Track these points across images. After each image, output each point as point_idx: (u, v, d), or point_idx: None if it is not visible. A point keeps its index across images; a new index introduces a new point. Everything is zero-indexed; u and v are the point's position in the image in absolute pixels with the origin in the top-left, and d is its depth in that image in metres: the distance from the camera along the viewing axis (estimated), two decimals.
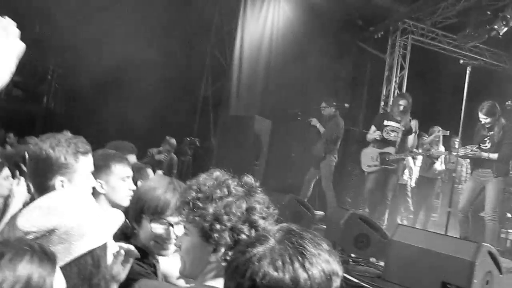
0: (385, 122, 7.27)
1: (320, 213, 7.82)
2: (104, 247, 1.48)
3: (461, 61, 6.10)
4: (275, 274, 1.19)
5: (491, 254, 3.92)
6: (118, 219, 1.58)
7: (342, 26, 10.39)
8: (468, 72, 5.82)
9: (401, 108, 7.12)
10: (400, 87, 10.70)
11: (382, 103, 10.98)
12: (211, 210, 1.64)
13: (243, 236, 1.61)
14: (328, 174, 7.68)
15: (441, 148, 8.22)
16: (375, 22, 10.95)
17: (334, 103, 7.83)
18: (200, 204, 1.65)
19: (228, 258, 1.59)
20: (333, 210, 6.35)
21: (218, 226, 1.62)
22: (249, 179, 1.73)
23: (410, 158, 8.24)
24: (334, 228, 5.26)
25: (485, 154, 5.99)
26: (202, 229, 1.65)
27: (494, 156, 5.95)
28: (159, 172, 5.54)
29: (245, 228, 1.62)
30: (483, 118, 6.01)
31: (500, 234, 6.24)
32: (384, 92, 10.76)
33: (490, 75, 10.70)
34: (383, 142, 7.21)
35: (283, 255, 1.22)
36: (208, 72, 10.59)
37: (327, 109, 7.85)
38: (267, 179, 7.99)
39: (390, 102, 9.97)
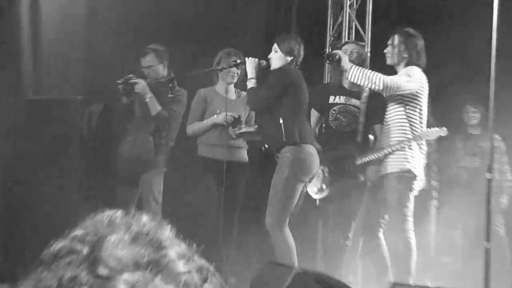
0: (331, 99, 4.36)
1: None
2: None
3: None
4: None
5: None
6: None
7: None
8: None
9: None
10: (362, 19, 5.55)
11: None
12: None
13: None
14: None
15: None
16: None
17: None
18: None
19: None
20: (263, 270, 3.45)
21: None
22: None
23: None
24: None
25: None
26: None
27: None
28: None
29: None
30: None
31: None
32: (329, 32, 5.69)
33: None
34: (332, 136, 4.36)
35: None
36: None
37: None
38: None
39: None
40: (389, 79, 3.92)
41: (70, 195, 4.48)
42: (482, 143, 5.03)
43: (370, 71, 4.03)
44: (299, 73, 4.12)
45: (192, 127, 4.62)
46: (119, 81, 4.49)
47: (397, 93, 3.99)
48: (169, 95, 4.42)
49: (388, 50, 4.15)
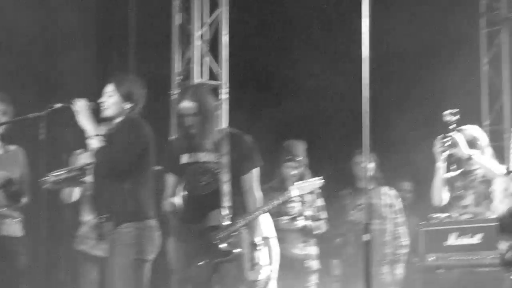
0: (184, 159, 3.22)
1: None
2: None
3: None
4: None
5: None
6: None
7: None
8: None
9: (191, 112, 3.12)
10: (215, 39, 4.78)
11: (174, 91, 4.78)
12: None
13: None
14: None
15: None
16: None
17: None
18: None
19: None
20: None
21: None
22: None
23: None
24: None
25: None
26: None
27: None
28: None
29: None
30: None
31: None
32: (173, 69, 4.86)
33: None
34: (193, 204, 3.17)
35: None
36: None
37: None
38: None
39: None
40: None
41: None
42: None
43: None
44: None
45: None
46: None
47: None
48: None
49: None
